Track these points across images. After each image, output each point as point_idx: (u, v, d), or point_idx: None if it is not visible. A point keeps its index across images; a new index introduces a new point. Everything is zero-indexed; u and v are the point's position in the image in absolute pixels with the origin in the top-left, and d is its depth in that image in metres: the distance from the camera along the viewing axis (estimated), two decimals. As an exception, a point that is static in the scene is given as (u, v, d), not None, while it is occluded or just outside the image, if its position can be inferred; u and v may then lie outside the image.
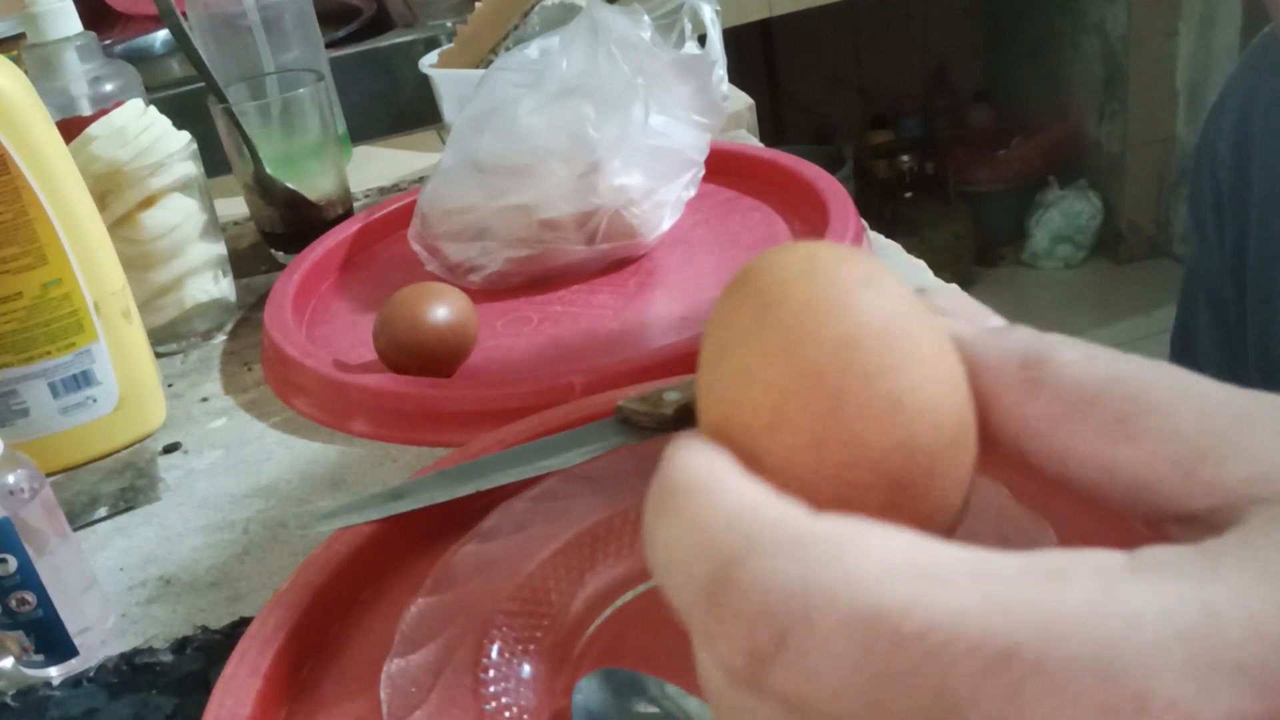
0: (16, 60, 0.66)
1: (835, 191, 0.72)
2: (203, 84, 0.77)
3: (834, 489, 0.17)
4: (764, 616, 0.16)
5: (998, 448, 0.19)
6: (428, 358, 0.60)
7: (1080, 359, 0.19)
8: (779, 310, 0.18)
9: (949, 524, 0.19)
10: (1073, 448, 0.18)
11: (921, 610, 0.15)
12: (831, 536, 0.16)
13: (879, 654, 0.15)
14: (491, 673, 0.39)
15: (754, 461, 0.18)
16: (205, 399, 0.66)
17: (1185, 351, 0.66)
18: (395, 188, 0.92)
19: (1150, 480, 0.17)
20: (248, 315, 0.75)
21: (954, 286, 0.22)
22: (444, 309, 0.60)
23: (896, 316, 0.18)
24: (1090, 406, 0.18)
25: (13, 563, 0.44)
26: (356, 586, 0.47)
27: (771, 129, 2.57)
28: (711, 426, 0.19)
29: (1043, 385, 0.19)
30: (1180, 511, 0.17)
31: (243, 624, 0.47)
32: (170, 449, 0.62)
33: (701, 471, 0.18)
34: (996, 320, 0.21)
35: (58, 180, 0.56)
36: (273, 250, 0.82)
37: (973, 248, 2.54)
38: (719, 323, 0.19)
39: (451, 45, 0.92)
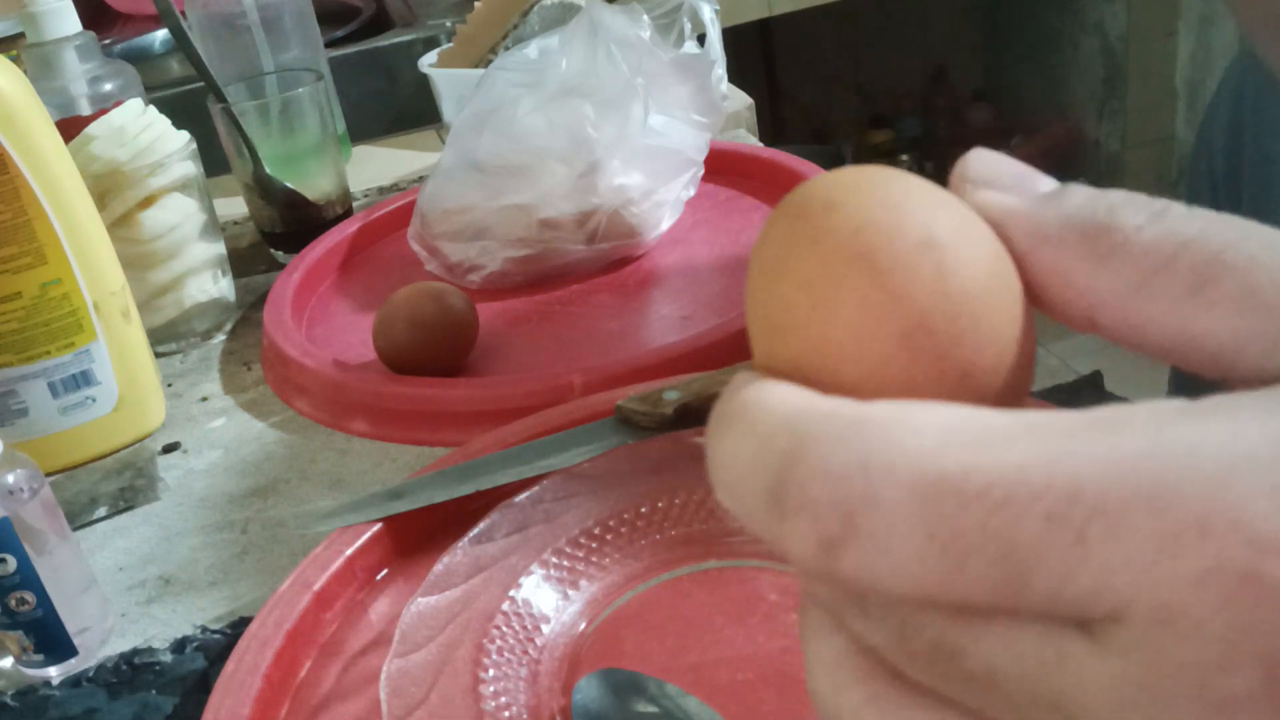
0: (16, 60, 0.66)
1: (835, 191, 0.72)
2: (202, 84, 0.77)
3: (892, 390, 0.18)
4: (828, 503, 0.15)
5: (1071, 323, 0.19)
6: (427, 358, 0.60)
7: (1147, 222, 0.18)
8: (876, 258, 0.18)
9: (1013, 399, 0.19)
10: (1148, 319, 0.18)
11: (983, 469, 0.15)
12: (885, 417, 0.16)
13: (946, 518, 0.15)
14: (491, 672, 0.39)
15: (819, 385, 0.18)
16: (205, 399, 0.66)
17: None
18: (394, 187, 0.92)
19: (1231, 347, 0.17)
20: (247, 315, 0.75)
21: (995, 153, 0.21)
22: (443, 309, 0.60)
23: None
24: (1163, 275, 0.17)
25: (12, 563, 0.44)
26: (356, 586, 0.47)
27: (771, 128, 2.57)
28: (781, 361, 0.19)
29: (1111, 257, 0.18)
30: (1266, 376, 0.17)
31: (243, 624, 0.47)
32: (169, 449, 0.62)
33: (754, 389, 0.17)
34: (1046, 183, 0.20)
35: (57, 180, 0.56)
36: (272, 250, 0.82)
37: (972, 247, 2.54)
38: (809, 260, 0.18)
39: (451, 45, 0.92)
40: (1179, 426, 0.15)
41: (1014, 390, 0.18)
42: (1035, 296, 0.19)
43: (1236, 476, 0.14)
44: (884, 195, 0.18)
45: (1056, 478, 0.15)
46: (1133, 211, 0.18)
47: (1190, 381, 0.18)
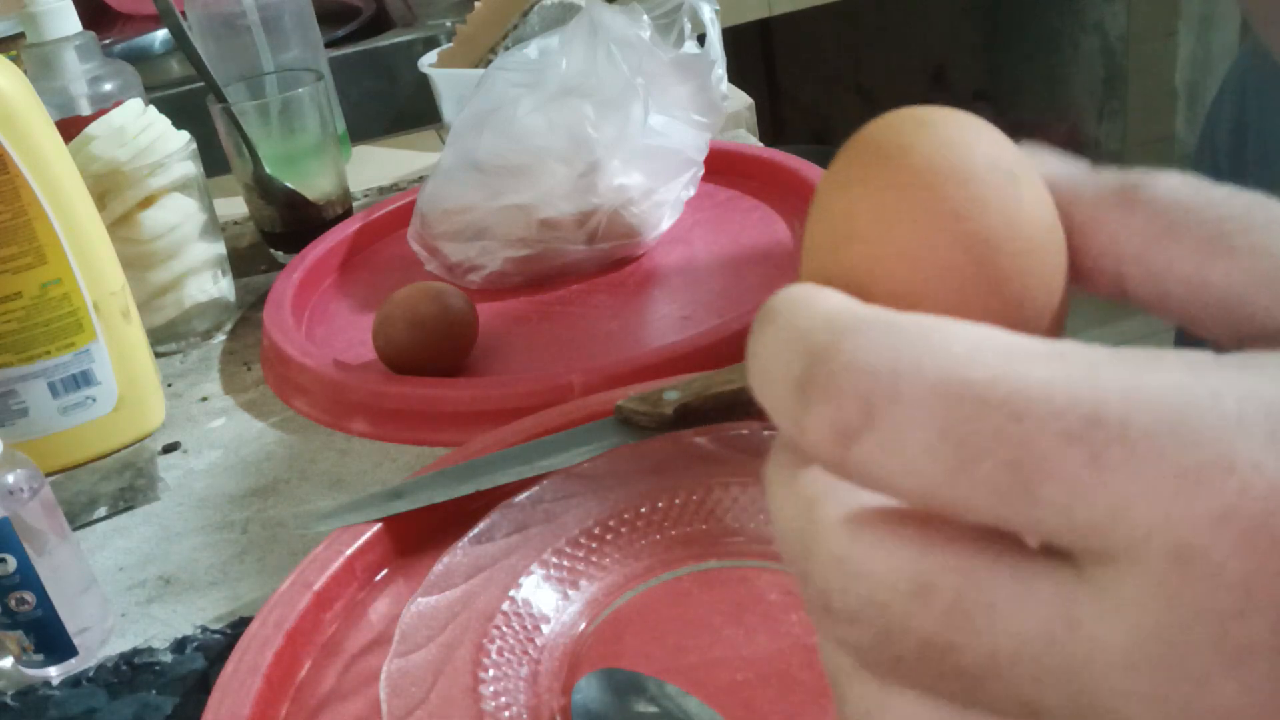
0: (16, 60, 0.66)
1: (835, 191, 0.72)
2: (202, 84, 0.77)
3: (945, 306, 0.18)
4: (853, 391, 0.16)
5: (1097, 284, 0.20)
6: (427, 357, 0.60)
7: (1180, 180, 0.19)
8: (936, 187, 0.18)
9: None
10: (1168, 265, 0.18)
11: (1008, 379, 0.15)
12: (923, 324, 0.16)
13: (963, 420, 0.15)
14: (491, 672, 0.39)
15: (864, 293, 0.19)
16: (205, 399, 0.66)
17: (1190, 345, 0.67)
18: (394, 187, 0.92)
19: (1243, 297, 0.18)
20: (247, 315, 0.75)
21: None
22: (443, 309, 0.60)
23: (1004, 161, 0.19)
24: (1187, 222, 0.18)
25: (12, 563, 0.44)
26: (356, 586, 0.47)
27: (770, 128, 2.57)
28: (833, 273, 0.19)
29: (1139, 204, 0.19)
30: (1271, 328, 0.18)
31: (243, 624, 0.47)
32: (169, 449, 0.62)
33: (802, 288, 0.18)
34: (1087, 166, 0.21)
35: (57, 180, 0.56)
36: (272, 250, 0.82)
37: (972, 247, 2.54)
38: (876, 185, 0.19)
39: (451, 45, 0.92)
40: (1208, 370, 0.15)
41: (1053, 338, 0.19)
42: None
43: (1256, 425, 0.14)
44: (966, 125, 0.19)
45: (1080, 399, 0.15)
46: (1166, 174, 0.19)
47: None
